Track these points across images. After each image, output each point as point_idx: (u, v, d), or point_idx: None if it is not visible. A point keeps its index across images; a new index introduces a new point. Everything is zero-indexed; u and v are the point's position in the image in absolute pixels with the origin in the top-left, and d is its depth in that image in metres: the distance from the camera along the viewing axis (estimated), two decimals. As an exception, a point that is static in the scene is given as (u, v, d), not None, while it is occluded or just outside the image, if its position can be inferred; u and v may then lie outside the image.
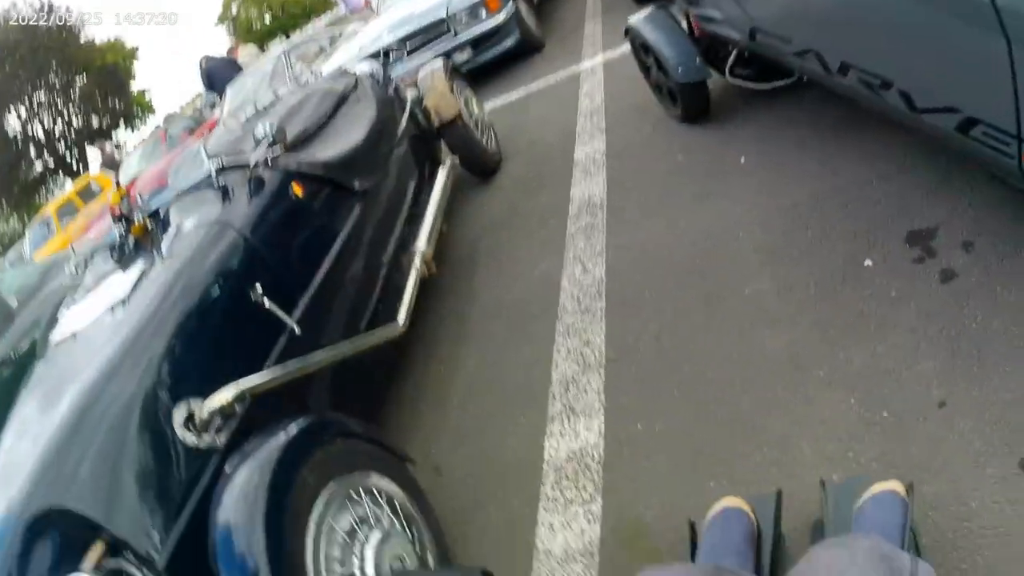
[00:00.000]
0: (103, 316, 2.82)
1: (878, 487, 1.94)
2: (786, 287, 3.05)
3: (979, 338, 2.44)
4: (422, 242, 3.87)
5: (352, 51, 8.59)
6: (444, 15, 8.07)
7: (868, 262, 2.96)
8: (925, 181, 3.20)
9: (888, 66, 2.82)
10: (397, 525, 2.35)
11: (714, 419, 2.67)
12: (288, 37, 49.01)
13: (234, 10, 65.48)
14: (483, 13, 8.04)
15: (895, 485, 1.93)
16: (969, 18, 2.15)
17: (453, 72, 5.41)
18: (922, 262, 2.84)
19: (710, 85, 4.47)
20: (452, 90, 5.08)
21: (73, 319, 3.04)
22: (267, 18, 64.96)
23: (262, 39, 62.94)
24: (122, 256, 3.38)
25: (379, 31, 8.68)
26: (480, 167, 5.40)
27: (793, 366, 2.69)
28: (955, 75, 2.47)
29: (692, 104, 4.52)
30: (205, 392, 2.35)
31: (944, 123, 2.62)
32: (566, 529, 2.59)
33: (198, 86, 14.17)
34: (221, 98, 9.45)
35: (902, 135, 3.43)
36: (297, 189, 3.44)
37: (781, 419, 2.52)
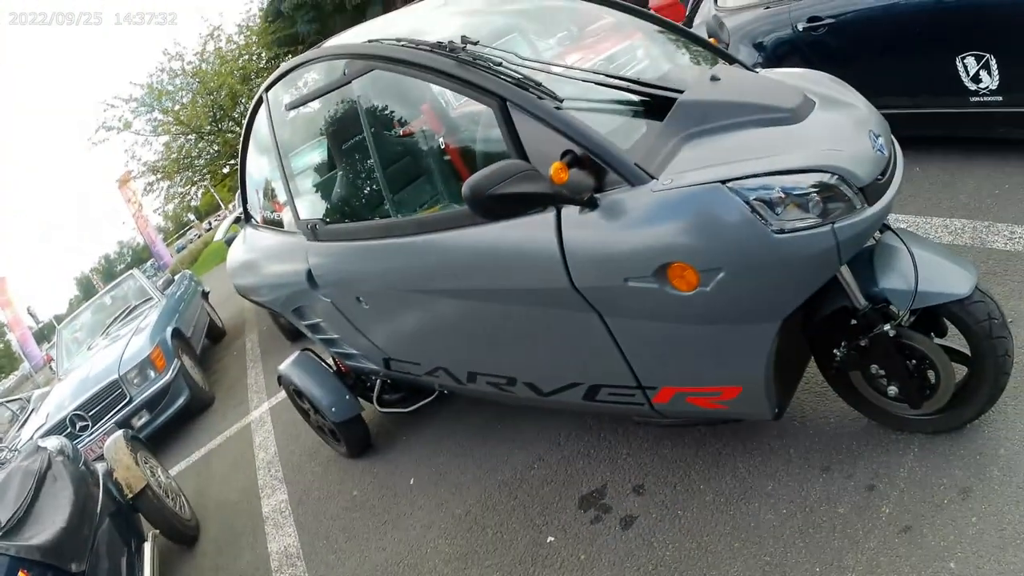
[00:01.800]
0: None
1: None
2: (478, 587, 3.09)
3: (676, 560, 2.64)
4: None
5: (41, 419, 8.19)
6: (116, 376, 7.93)
7: (551, 539, 3.11)
8: (581, 448, 3.50)
9: (507, 366, 3.10)
10: None
11: None
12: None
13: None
14: (152, 372, 8.01)
15: None
16: (560, 305, 2.46)
17: (134, 441, 5.27)
18: (600, 520, 3.04)
19: (367, 416, 4.64)
20: (136, 461, 4.93)
21: None
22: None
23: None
24: None
25: (62, 398, 8.33)
26: (179, 535, 5.09)
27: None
28: (566, 355, 2.76)
29: (353, 439, 4.63)
30: None
31: (573, 397, 2.91)
32: None
33: None
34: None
35: (548, 415, 3.75)
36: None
37: None
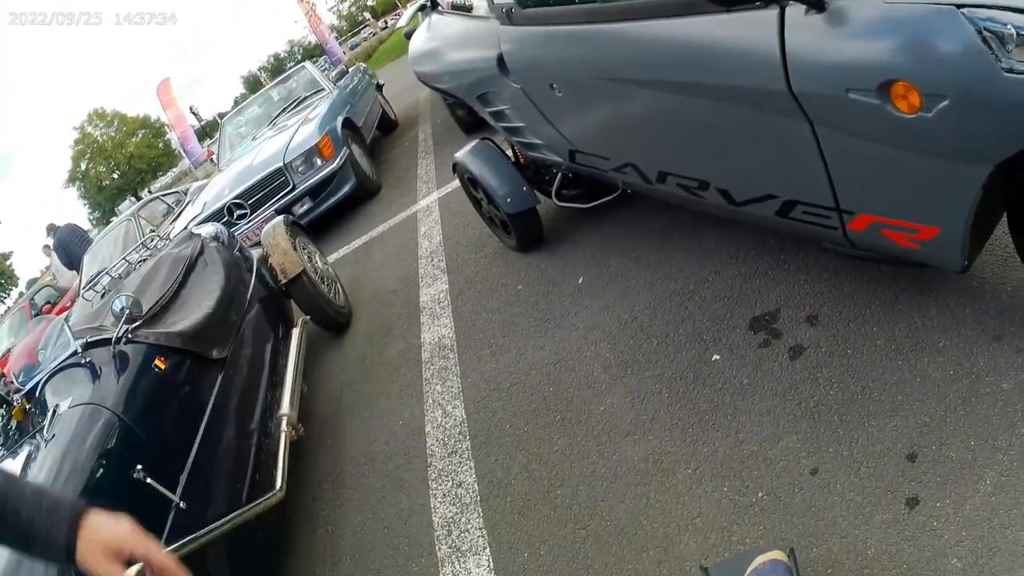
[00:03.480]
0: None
1: (760, 560, 1.95)
2: (639, 397, 3.09)
3: (839, 402, 2.53)
4: (286, 406, 3.78)
5: (197, 209, 8.55)
6: (281, 163, 8.08)
7: (716, 357, 3.04)
8: (759, 268, 3.37)
9: (703, 168, 2.97)
10: None
11: (595, 534, 2.62)
12: (137, 198, 48.77)
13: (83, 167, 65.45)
14: (318, 160, 8.10)
15: (777, 554, 1.94)
16: (770, 109, 2.31)
17: (294, 227, 5.37)
18: (768, 345, 2.94)
19: (541, 211, 4.61)
20: (295, 246, 5.03)
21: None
22: (115, 175, 65.62)
23: (112, 199, 63.55)
24: (6, 440, 3.27)
25: (221, 187, 8.62)
26: (331, 322, 5.28)
27: (659, 470, 2.69)
28: (767, 164, 2.62)
29: (525, 233, 4.64)
30: None
31: (765, 211, 2.77)
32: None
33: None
34: (79, 269, 9.34)
35: (729, 228, 3.62)
36: (160, 363, 3.37)
37: (659, 521, 2.51)
